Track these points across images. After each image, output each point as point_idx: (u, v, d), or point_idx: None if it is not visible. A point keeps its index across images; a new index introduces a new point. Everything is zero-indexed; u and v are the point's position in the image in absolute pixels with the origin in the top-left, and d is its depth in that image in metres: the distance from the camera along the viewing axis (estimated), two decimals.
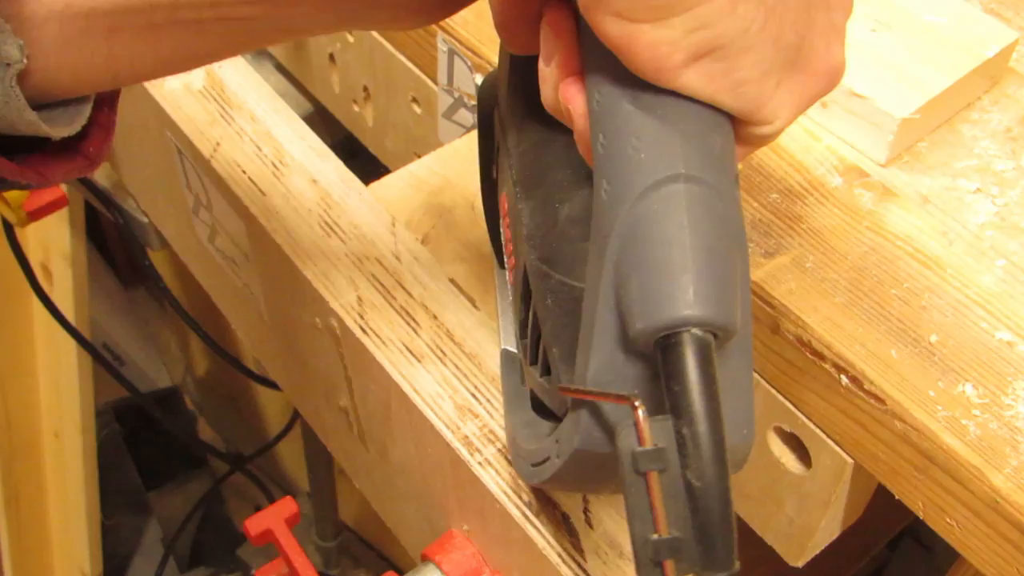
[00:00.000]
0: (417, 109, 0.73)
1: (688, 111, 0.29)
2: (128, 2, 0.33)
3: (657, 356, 0.28)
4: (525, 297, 0.40)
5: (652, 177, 0.29)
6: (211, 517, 1.72)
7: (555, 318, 0.37)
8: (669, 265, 0.28)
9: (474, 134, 0.62)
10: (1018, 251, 0.54)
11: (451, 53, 0.66)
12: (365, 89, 0.77)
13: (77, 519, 1.32)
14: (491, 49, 0.63)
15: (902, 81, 0.58)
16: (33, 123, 0.34)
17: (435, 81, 0.69)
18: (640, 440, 0.27)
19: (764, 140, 0.32)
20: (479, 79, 0.66)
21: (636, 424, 0.27)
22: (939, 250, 0.54)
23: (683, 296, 0.28)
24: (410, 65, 0.71)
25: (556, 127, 0.38)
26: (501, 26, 0.36)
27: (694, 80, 0.29)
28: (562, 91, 0.32)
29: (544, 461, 0.36)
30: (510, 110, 0.43)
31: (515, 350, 0.45)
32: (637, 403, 0.27)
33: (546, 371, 0.38)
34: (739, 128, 0.31)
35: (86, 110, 0.37)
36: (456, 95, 0.69)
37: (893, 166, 0.58)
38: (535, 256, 0.38)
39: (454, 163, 0.59)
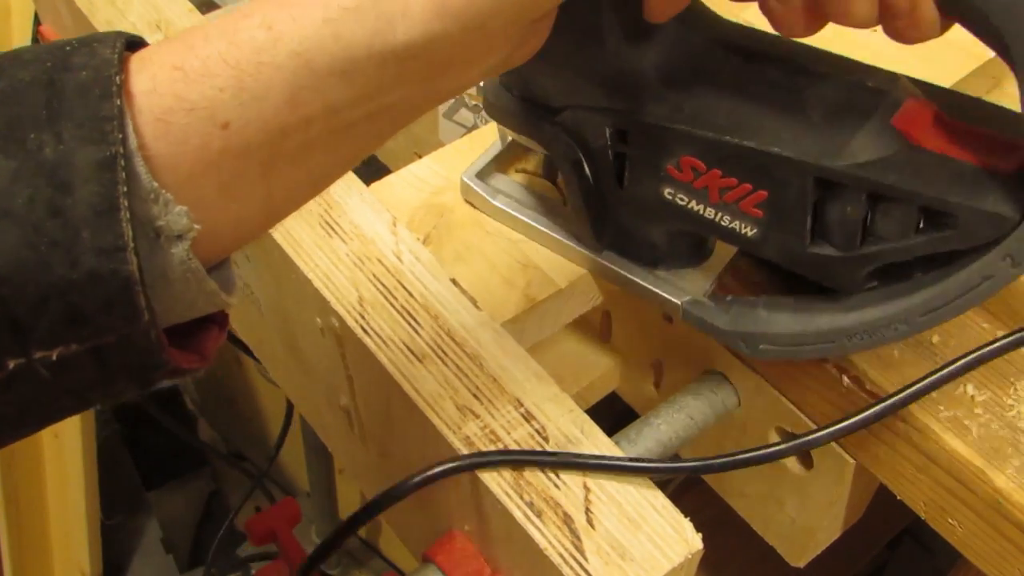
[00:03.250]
0: None
1: None
2: (283, 123, 0.31)
3: None
4: (819, 203, 0.45)
5: None
6: (211, 517, 1.71)
7: (920, 180, 0.41)
8: None
9: (474, 134, 0.62)
10: None
11: None
12: None
13: (77, 519, 1.32)
14: None
15: None
16: (213, 294, 0.32)
17: None
18: None
19: None
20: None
21: None
22: None
23: None
24: None
25: (706, 76, 0.46)
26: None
27: None
28: None
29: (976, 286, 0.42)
30: (631, 96, 0.46)
31: (703, 299, 0.52)
32: None
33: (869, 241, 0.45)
34: None
35: (229, 266, 0.34)
36: None
37: None
38: (833, 163, 0.43)
39: (455, 163, 0.59)
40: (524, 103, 0.50)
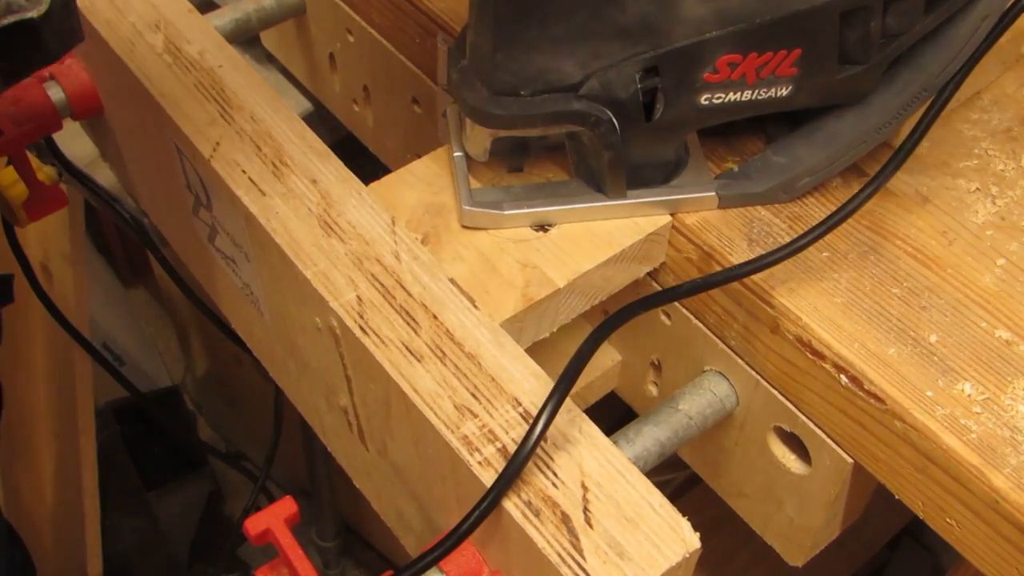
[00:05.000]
0: (417, 109, 0.73)
1: None
2: None
3: None
4: (840, 32, 0.51)
5: None
6: (211, 517, 1.71)
7: None
8: None
9: None
10: (1018, 251, 0.54)
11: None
12: (365, 89, 0.77)
13: (77, 519, 1.32)
14: None
15: None
16: None
17: (435, 81, 0.69)
18: None
19: None
20: None
21: None
22: (939, 250, 0.54)
23: None
24: (410, 65, 0.71)
25: None
26: None
27: None
28: None
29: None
30: (657, 32, 0.49)
31: (725, 180, 0.55)
32: None
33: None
34: None
35: None
36: None
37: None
38: None
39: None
40: (538, 97, 0.50)
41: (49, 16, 0.37)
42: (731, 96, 0.51)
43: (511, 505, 0.42)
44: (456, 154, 0.58)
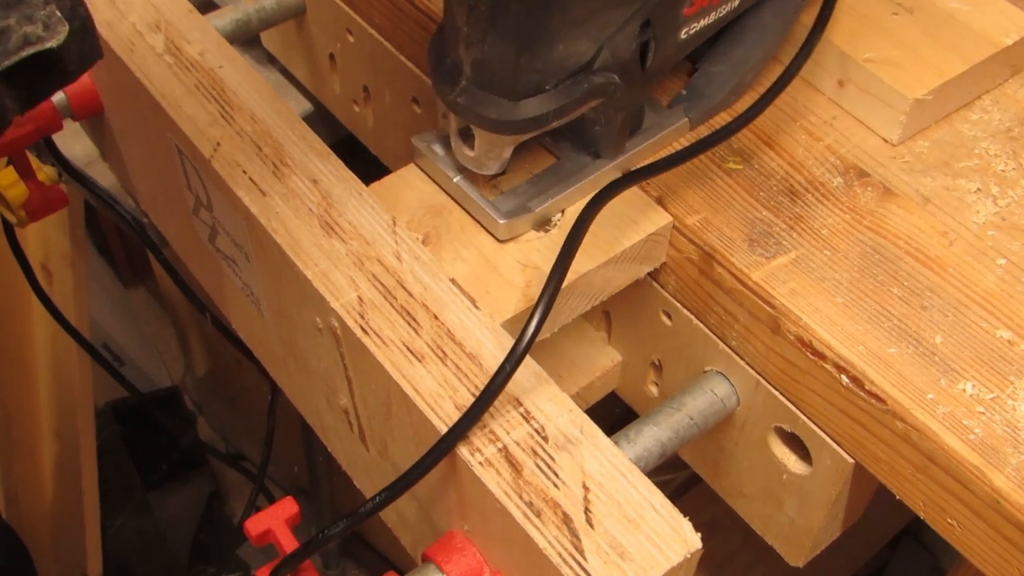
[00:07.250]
0: (417, 109, 0.73)
1: None
2: None
3: None
4: None
5: None
6: (211, 517, 1.72)
7: None
8: None
9: None
10: (1019, 251, 0.54)
11: None
12: (365, 89, 0.77)
13: (77, 519, 1.32)
14: None
15: (918, 63, 0.59)
16: None
17: None
18: None
19: None
20: None
21: None
22: (940, 250, 0.54)
23: None
24: (410, 65, 0.71)
25: None
26: None
27: None
28: None
29: None
30: None
31: (687, 106, 0.60)
32: None
33: None
34: None
35: None
36: None
37: (894, 166, 0.58)
38: None
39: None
40: (562, 85, 0.51)
41: (68, 42, 0.36)
42: (701, 22, 0.55)
43: (512, 506, 0.42)
44: (455, 179, 0.57)
